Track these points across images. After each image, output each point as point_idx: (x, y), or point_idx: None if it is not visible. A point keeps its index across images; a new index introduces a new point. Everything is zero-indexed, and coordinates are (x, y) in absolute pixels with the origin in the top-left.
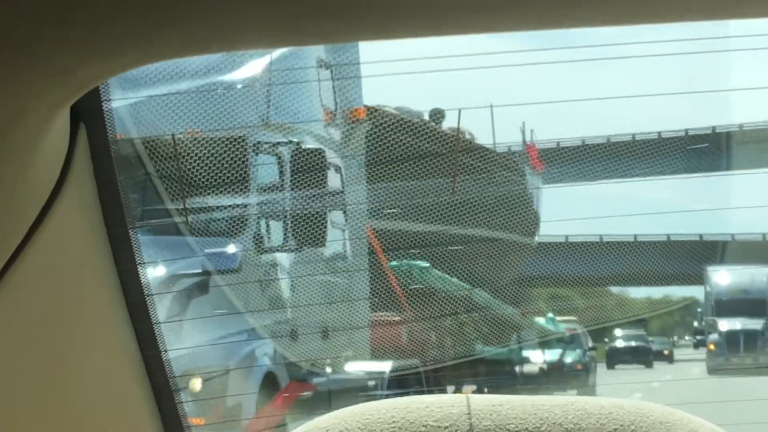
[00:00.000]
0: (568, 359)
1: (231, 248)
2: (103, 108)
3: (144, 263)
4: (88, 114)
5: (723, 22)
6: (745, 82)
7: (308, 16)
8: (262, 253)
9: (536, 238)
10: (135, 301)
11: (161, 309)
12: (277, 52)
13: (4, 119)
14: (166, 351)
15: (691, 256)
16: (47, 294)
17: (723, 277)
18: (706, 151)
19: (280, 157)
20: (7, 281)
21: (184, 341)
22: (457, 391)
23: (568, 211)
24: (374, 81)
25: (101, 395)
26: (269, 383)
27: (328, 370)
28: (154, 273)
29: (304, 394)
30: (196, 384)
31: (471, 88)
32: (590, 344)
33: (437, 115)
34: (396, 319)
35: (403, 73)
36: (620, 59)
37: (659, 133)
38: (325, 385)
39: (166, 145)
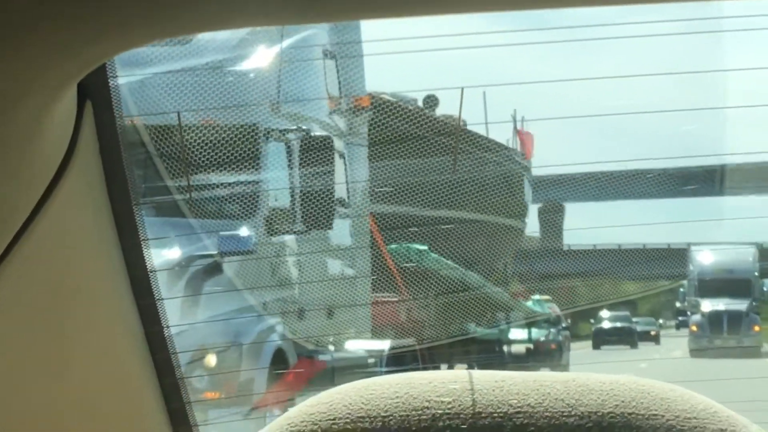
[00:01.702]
0: (546, 338)
1: (244, 231)
2: (110, 85)
3: (147, 239)
4: (95, 91)
5: (716, 3)
6: (737, 63)
7: None
8: (272, 236)
9: (526, 222)
10: (138, 277)
11: (177, 287)
12: (286, 42)
13: (10, 95)
14: (168, 327)
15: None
16: (53, 268)
17: (706, 256)
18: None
19: (288, 144)
20: (15, 255)
21: (197, 318)
22: (450, 369)
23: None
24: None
25: (104, 370)
26: (278, 360)
27: (331, 348)
28: (169, 253)
29: (314, 371)
30: (211, 359)
31: (458, 70)
32: (564, 324)
33: (431, 101)
34: (394, 299)
35: (395, 52)
36: (609, 40)
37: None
38: (330, 363)
39: (172, 127)
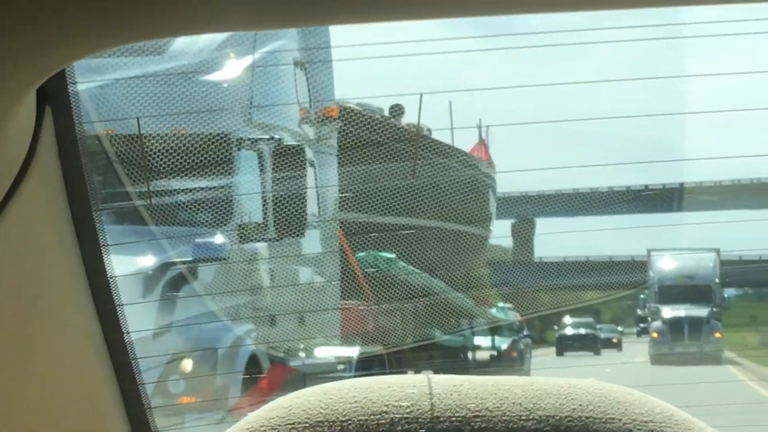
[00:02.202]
0: (508, 345)
1: (218, 238)
2: (69, 91)
3: (108, 245)
4: (54, 97)
5: (676, 9)
6: (698, 70)
7: (275, 2)
8: (244, 243)
9: (490, 230)
10: (98, 283)
11: (151, 293)
12: (258, 52)
13: None
14: (128, 333)
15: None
16: (12, 274)
17: (667, 262)
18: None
19: (260, 153)
20: None
21: (167, 324)
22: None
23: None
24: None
25: (64, 375)
26: (252, 366)
27: (302, 354)
28: (144, 260)
29: (287, 376)
30: (184, 365)
31: (422, 76)
32: (526, 332)
33: (397, 110)
34: (362, 306)
35: (362, 58)
36: (570, 46)
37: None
38: (301, 369)
39: (146, 136)
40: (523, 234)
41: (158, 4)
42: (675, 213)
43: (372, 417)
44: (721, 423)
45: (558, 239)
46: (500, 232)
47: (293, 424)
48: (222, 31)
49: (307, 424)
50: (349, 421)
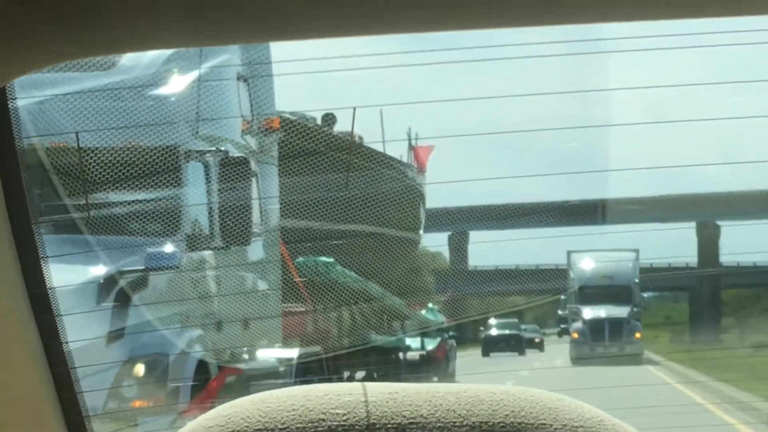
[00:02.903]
0: (435, 347)
1: (168, 247)
2: (9, 107)
3: (47, 257)
4: None
5: (597, 26)
6: (621, 83)
7: (216, 20)
8: (191, 251)
9: (420, 234)
10: (37, 294)
11: (100, 301)
12: (203, 66)
13: None
14: (67, 342)
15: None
16: None
17: (587, 263)
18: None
19: (205, 164)
20: None
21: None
22: (351, 377)
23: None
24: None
25: (2, 386)
26: (200, 370)
27: (245, 357)
28: (96, 270)
29: (230, 379)
30: (140, 369)
31: (356, 89)
32: (452, 333)
33: (329, 119)
34: (301, 309)
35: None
36: (499, 60)
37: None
38: (245, 372)
39: (72, 150)
40: (459, 245)
41: (96, 24)
42: (597, 225)
43: (310, 425)
44: (647, 425)
45: (492, 249)
46: (439, 243)
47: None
48: (159, 48)
49: None
50: (288, 429)
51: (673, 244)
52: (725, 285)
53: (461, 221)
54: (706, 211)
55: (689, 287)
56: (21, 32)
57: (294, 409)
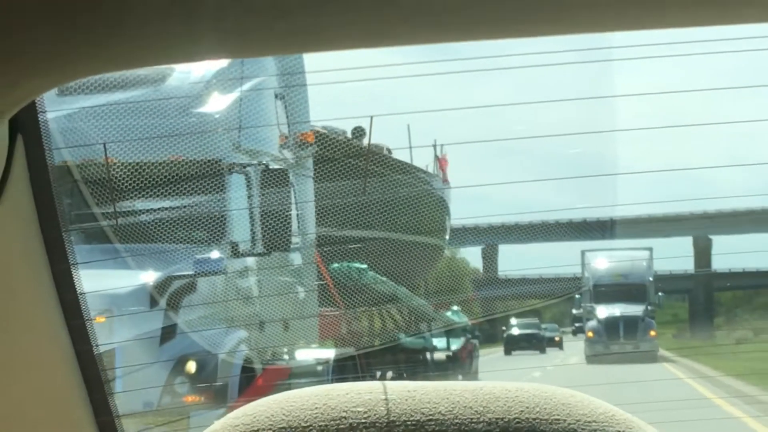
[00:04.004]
0: (459, 346)
1: (215, 254)
2: (39, 120)
3: (77, 264)
4: (26, 125)
5: (605, 34)
6: (626, 90)
7: (254, 30)
8: (236, 257)
9: (446, 239)
10: (68, 299)
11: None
12: (245, 84)
13: None
14: (97, 345)
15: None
16: None
17: (601, 262)
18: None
19: (247, 176)
20: None
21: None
22: (382, 375)
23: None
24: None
25: (37, 387)
26: (246, 368)
27: (286, 356)
28: (148, 276)
29: (273, 376)
30: (191, 367)
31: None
32: (475, 332)
33: (359, 132)
34: (336, 312)
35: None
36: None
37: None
38: (286, 370)
39: (127, 165)
40: (490, 256)
41: (127, 37)
42: (607, 240)
43: (332, 422)
44: (657, 419)
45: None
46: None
47: (257, 430)
48: (191, 61)
49: (270, 431)
50: (311, 427)
51: (675, 254)
52: (719, 288)
53: (492, 235)
54: (702, 227)
55: (689, 290)
56: (52, 46)
57: (316, 408)
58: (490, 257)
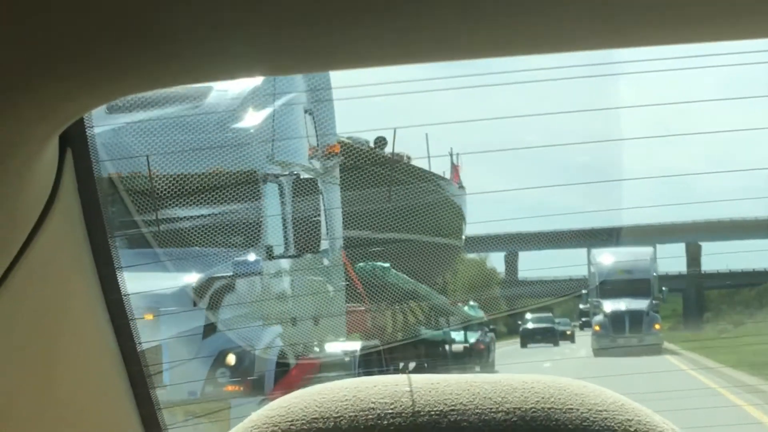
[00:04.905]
0: (477, 339)
1: (252, 256)
2: (87, 134)
3: (122, 267)
4: (74, 140)
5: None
6: (631, 101)
7: (285, 50)
8: (271, 259)
9: (462, 241)
10: (113, 300)
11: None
12: (277, 102)
13: (5, 144)
14: (140, 343)
15: None
16: (40, 297)
17: (606, 258)
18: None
19: (280, 185)
20: (6, 286)
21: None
22: (405, 367)
23: None
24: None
25: (84, 382)
26: (281, 361)
27: (317, 349)
28: (190, 278)
29: (306, 368)
30: (231, 359)
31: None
32: (490, 327)
33: (381, 142)
34: (361, 308)
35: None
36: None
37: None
38: (317, 362)
39: (141, 178)
40: (511, 261)
41: (169, 55)
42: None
43: (361, 413)
44: (663, 407)
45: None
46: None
47: (292, 421)
48: (236, 78)
49: (304, 421)
50: (342, 418)
51: (671, 257)
52: (708, 287)
53: (510, 243)
54: (693, 234)
55: (682, 288)
56: (100, 63)
57: (346, 400)
58: (511, 261)
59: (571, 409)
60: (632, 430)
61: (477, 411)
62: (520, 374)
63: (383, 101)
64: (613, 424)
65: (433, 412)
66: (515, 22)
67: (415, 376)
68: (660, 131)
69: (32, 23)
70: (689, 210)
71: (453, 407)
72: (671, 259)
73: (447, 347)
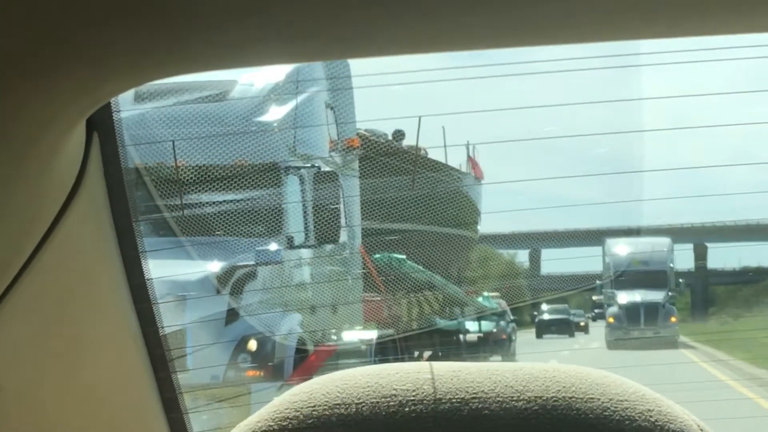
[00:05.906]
0: (498, 329)
1: (273, 246)
2: (114, 119)
3: (146, 251)
4: (101, 124)
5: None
6: (648, 93)
7: (306, 37)
8: (292, 249)
9: (478, 233)
10: (137, 284)
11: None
12: (299, 97)
13: (29, 131)
14: (162, 327)
15: None
16: (66, 276)
17: (622, 248)
18: None
19: (301, 177)
20: (35, 264)
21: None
22: (420, 356)
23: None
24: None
25: (107, 364)
26: (300, 348)
27: (335, 337)
28: (214, 266)
29: (323, 355)
30: (252, 345)
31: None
32: (511, 317)
33: (399, 134)
34: (378, 298)
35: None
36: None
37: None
38: (335, 350)
39: (197, 168)
40: (534, 257)
41: (198, 40)
42: None
43: (383, 399)
44: (683, 398)
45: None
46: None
47: (314, 407)
48: (261, 65)
49: (326, 407)
50: (363, 404)
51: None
52: (713, 283)
53: (536, 241)
54: (700, 236)
55: (689, 284)
56: (127, 49)
57: (368, 386)
58: (534, 257)
59: (592, 398)
60: (653, 420)
61: (498, 399)
62: (541, 363)
63: (401, 90)
64: (633, 414)
65: (454, 400)
66: (534, 11)
67: (436, 364)
68: (683, 124)
69: (62, 7)
70: (703, 205)
71: (474, 395)
72: (681, 257)
73: (461, 337)
